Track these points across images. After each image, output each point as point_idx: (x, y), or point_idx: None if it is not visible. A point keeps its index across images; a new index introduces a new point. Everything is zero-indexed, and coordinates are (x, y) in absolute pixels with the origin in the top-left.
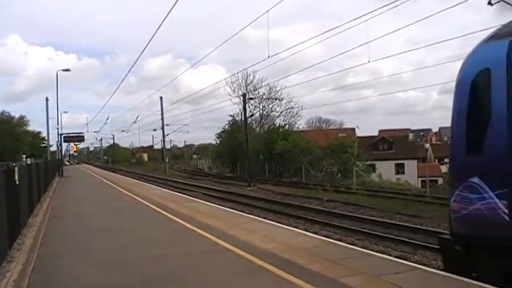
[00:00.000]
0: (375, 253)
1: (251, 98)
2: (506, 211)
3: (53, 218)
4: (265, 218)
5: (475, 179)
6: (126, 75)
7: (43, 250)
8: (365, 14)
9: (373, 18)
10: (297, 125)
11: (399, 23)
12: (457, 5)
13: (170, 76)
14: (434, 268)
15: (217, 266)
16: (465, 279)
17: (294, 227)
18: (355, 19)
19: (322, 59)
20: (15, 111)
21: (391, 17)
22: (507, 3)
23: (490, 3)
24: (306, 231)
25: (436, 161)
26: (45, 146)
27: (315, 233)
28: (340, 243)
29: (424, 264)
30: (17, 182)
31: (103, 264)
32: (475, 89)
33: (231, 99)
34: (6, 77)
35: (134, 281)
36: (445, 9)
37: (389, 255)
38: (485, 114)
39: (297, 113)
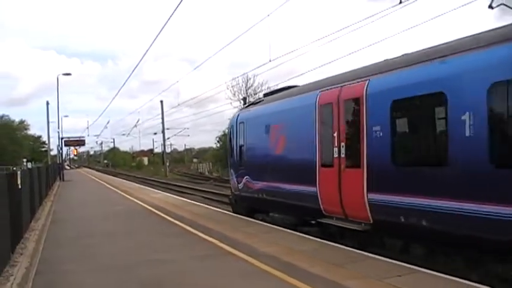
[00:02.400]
0: (373, 255)
1: None
2: (236, 182)
3: (54, 222)
4: (264, 221)
5: (232, 170)
6: (127, 79)
7: (46, 254)
8: (372, 15)
9: (381, 19)
10: None
11: (407, 22)
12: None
13: (172, 80)
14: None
15: (220, 269)
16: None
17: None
18: (362, 20)
19: (324, 62)
20: (16, 115)
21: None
22: (508, 6)
23: (490, 6)
24: (308, 234)
25: None
26: (45, 150)
27: (317, 237)
28: (339, 245)
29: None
30: (19, 186)
31: (105, 268)
32: (231, 133)
33: (231, 103)
34: (8, 81)
35: (135, 286)
36: (448, 11)
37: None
38: (233, 143)
39: None
